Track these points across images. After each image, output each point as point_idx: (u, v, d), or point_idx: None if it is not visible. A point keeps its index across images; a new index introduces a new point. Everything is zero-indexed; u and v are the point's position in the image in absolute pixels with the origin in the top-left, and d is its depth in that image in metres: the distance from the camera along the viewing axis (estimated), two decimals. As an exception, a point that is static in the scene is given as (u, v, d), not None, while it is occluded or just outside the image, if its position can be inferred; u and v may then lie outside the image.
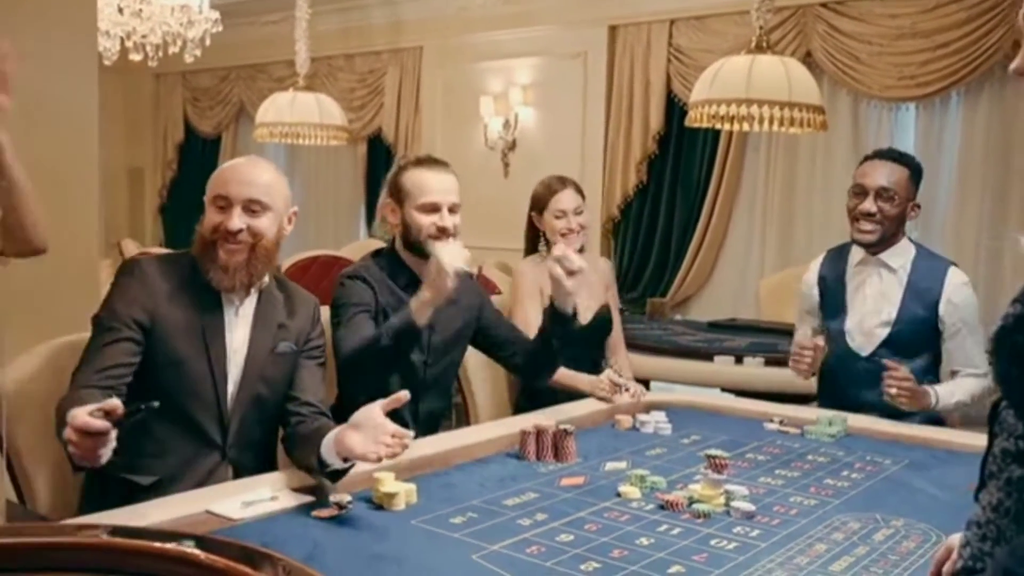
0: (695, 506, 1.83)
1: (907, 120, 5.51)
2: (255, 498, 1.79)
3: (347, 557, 1.55)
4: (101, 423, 1.53)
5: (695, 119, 4.31)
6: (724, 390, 4.04)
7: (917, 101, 5.34)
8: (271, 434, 2.13)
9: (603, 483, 2.02)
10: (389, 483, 1.83)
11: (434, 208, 2.48)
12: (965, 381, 2.72)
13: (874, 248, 2.81)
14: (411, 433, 1.78)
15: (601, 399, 2.77)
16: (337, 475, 1.86)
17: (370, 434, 1.75)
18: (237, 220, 1.99)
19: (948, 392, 2.68)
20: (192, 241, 2.08)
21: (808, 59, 5.40)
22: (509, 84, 6.74)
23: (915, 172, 2.82)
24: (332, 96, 6.98)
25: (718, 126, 4.37)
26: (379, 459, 1.75)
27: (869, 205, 2.75)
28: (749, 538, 1.71)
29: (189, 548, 1.08)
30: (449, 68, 7.16)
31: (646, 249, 6.33)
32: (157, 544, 1.09)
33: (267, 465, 2.11)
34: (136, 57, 4.77)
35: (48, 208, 3.26)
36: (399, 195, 2.52)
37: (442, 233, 2.47)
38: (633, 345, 4.33)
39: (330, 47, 7.61)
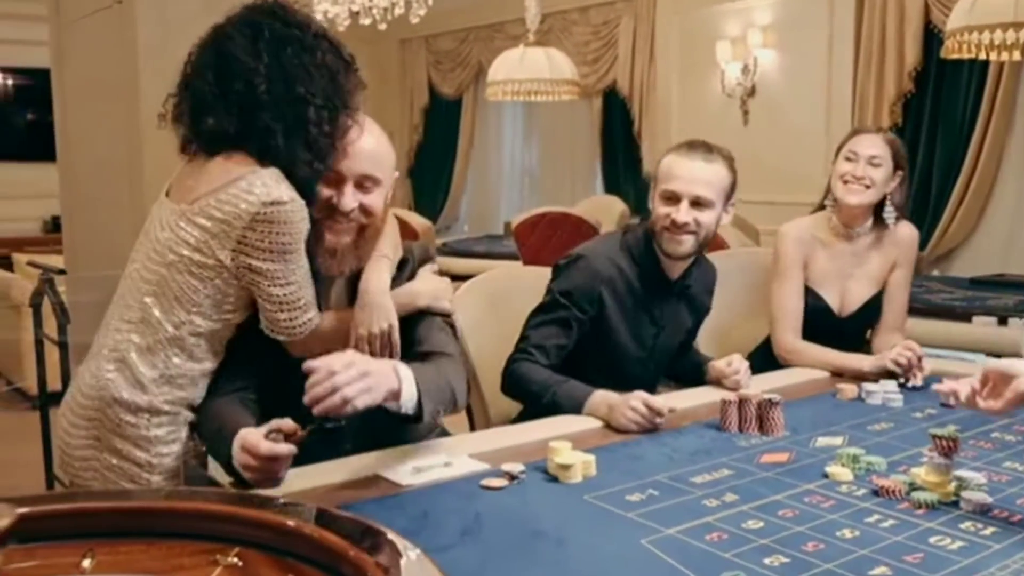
0: (915, 494, 1.57)
1: None
2: (428, 464, 1.73)
3: (505, 532, 1.44)
4: (286, 447, 1.50)
5: (952, 49, 3.83)
6: (990, 355, 3.63)
7: None
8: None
9: (810, 461, 1.79)
10: (565, 454, 1.70)
11: (672, 198, 2.22)
12: None
13: None
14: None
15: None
16: (414, 417, 1.64)
17: None
18: (350, 198, 1.76)
19: None
20: None
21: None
22: (748, 26, 6.34)
23: None
24: (566, 50, 6.90)
25: (981, 56, 3.85)
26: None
27: None
28: (979, 536, 1.44)
29: (291, 521, 1.01)
30: (684, 13, 6.85)
31: (902, 198, 5.76)
32: (253, 512, 1.03)
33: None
34: (365, 21, 4.90)
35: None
36: (655, 179, 2.30)
37: (675, 228, 2.20)
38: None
39: (563, 1, 7.51)
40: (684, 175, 2.21)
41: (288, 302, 1.71)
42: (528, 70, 6.26)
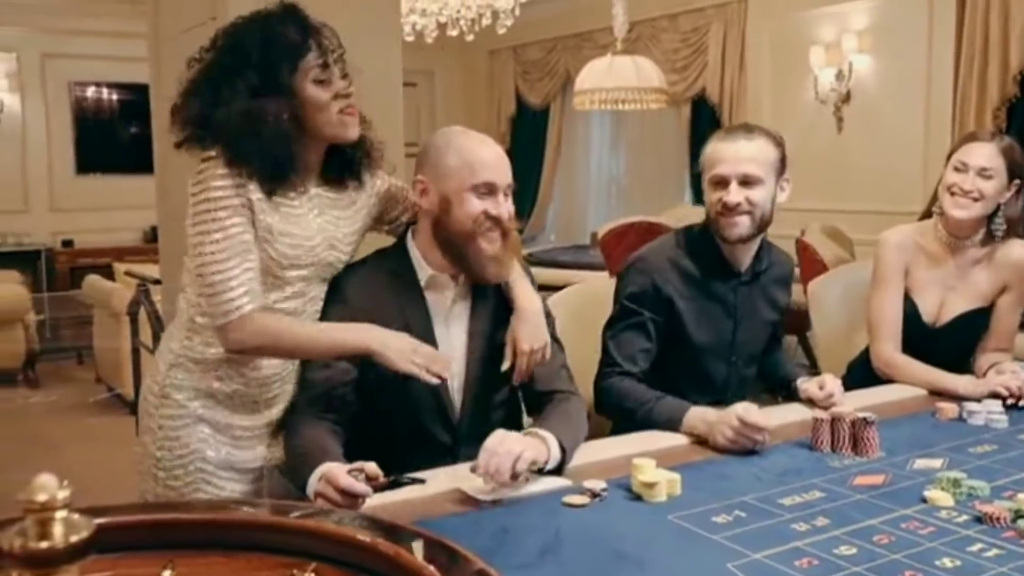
0: (1021, 522, 1.48)
1: None
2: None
3: (585, 552, 1.41)
4: (363, 488, 1.51)
5: (1062, 51, 3.65)
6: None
7: None
8: (503, 423, 1.92)
9: (907, 484, 1.71)
10: (649, 471, 1.66)
11: (721, 182, 2.16)
12: None
13: None
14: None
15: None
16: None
17: None
18: (506, 206, 1.86)
19: None
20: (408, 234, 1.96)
21: None
22: (842, 31, 6.18)
23: None
24: (655, 58, 6.84)
25: (1093, 58, 3.66)
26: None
27: None
28: (1093, 570, 1.35)
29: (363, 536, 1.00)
30: (776, 19, 6.72)
31: (1006, 207, 5.53)
32: (330, 528, 1.02)
33: None
34: (453, 33, 4.93)
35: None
36: (703, 171, 2.25)
37: (727, 211, 2.14)
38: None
39: (652, 8, 7.45)
40: (728, 156, 2.16)
41: (203, 275, 1.71)
42: (616, 78, 6.23)
